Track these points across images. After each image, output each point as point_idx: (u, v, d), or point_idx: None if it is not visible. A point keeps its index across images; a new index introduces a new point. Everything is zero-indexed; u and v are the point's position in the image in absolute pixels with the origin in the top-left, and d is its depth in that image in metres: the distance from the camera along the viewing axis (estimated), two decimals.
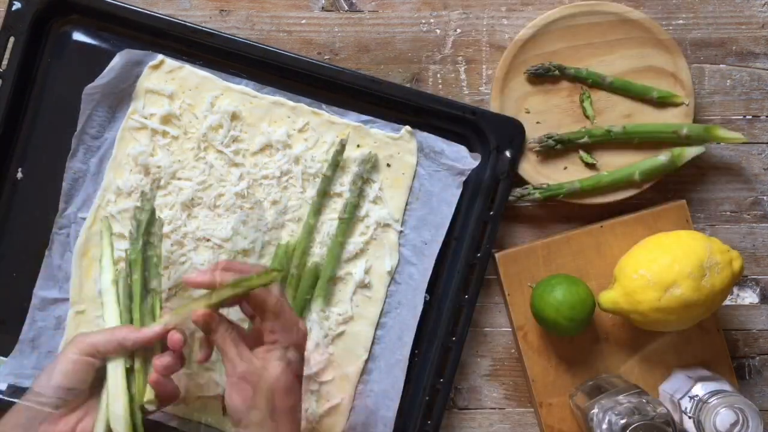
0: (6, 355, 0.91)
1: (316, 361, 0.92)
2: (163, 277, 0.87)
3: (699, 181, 0.97)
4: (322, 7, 0.96)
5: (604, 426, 0.85)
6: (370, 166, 0.92)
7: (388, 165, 0.94)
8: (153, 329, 0.79)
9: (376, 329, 0.93)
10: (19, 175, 0.93)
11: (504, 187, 0.93)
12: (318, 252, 0.93)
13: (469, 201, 0.94)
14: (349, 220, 0.92)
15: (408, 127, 0.93)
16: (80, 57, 0.93)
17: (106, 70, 0.91)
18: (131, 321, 0.83)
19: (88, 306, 0.92)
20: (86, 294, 0.92)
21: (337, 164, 0.92)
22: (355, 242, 0.93)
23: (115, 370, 0.79)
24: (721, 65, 0.97)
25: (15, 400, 0.78)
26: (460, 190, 0.93)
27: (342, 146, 0.92)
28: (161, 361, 0.79)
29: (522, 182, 0.95)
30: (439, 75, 0.96)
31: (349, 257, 0.93)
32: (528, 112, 0.95)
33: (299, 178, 0.93)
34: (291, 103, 0.93)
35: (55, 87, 0.94)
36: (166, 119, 0.93)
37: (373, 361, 0.93)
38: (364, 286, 0.93)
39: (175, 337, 0.78)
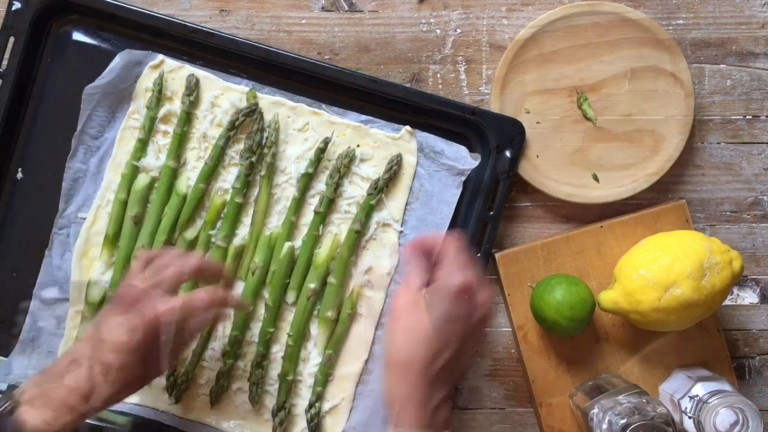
0: (6, 355, 0.91)
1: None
2: None
3: (699, 181, 0.97)
4: (322, 7, 0.96)
5: (604, 426, 0.85)
6: (348, 160, 0.92)
7: None
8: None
9: (376, 329, 0.93)
10: (19, 175, 0.94)
11: (504, 187, 0.93)
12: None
13: (469, 201, 0.94)
14: (325, 214, 0.92)
15: (408, 127, 0.93)
16: (80, 57, 0.93)
17: (106, 70, 0.91)
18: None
19: (88, 306, 0.92)
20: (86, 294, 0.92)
21: (319, 161, 0.92)
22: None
23: None
24: (721, 65, 0.97)
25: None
26: (460, 190, 0.93)
27: (325, 144, 0.92)
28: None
29: (522, 182, 0.95)
30: (439, 75, 0.96)
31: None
32: (528, 112, 0.95)
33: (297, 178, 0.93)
34: (291, 103, 0.93)
35: (55, 87, 0.94)
36: (166, 119, 0.93)
37: (373, 361, 0.93)
38: (364, 286, 0.93)
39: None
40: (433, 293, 0.75)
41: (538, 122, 0.95)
